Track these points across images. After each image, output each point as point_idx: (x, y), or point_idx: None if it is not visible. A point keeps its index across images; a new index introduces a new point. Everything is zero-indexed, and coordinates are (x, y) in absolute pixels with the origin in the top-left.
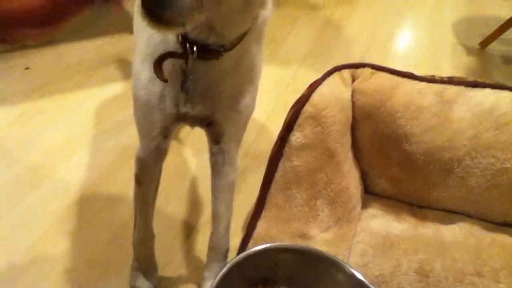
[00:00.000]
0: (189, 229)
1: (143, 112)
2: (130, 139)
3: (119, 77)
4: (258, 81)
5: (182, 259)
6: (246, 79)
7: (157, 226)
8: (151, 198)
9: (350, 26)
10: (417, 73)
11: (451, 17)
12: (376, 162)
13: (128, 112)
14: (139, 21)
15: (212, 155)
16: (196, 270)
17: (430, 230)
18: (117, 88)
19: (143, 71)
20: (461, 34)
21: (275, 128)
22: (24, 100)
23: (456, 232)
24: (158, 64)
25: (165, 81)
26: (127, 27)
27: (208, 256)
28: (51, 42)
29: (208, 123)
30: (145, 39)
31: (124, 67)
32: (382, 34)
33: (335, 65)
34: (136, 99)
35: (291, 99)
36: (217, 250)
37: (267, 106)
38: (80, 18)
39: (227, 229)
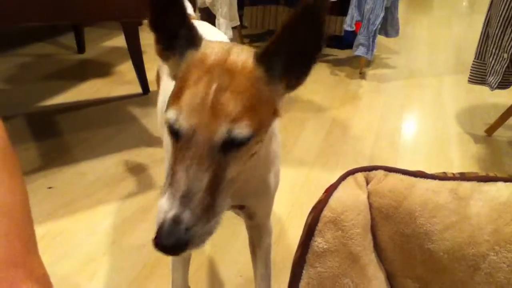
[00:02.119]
0: None
1: None
2: (151, 254)
3: (140, 190)
4: (279, 159)
5: None
6: (269, 167)
7: None
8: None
9: (356, 125)
10: (428, 165)
11: (453, 108)
12: (400, 262)
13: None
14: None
15: (248, 227)
16: None
17: None
18: (138, 202)
19: None
20: (466, 124)
21: (295, 230)
22: (47, 221)
23: None
24: None
25: None
26: (145, 141)
27: None
28: (72, 161)
29: (239, 207)
30: None
31: (144, 179)
32: (389, 130)
33: (345, 163)
34: None
35: (307, 200)
36: None
37: (285, 209)
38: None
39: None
